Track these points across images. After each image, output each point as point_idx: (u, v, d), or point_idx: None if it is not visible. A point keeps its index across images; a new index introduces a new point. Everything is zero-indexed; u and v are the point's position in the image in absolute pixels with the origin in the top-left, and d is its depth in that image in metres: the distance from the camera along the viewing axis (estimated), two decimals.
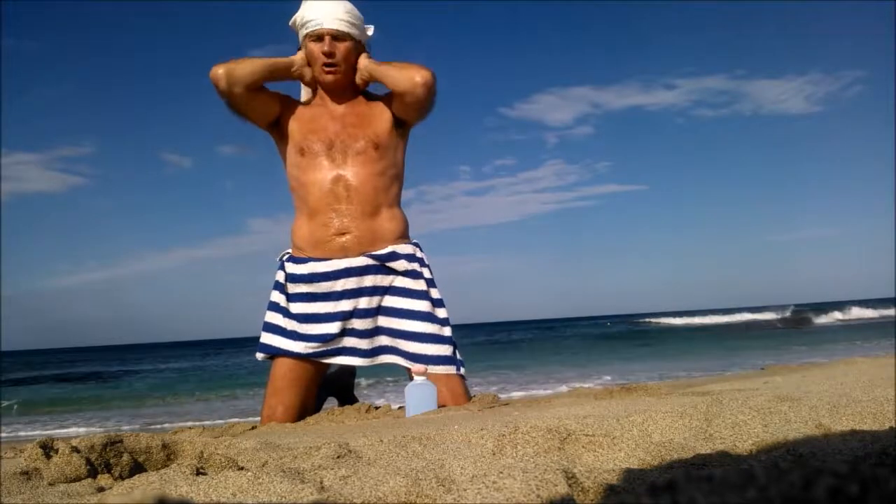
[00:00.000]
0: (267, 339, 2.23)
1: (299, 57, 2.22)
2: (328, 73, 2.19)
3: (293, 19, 2.21)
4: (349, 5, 2.20)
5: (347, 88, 2.26)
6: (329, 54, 2.16)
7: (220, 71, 2.07)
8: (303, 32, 2.19)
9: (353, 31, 2.18)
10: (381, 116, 2.24)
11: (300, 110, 2.27)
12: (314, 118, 2.24)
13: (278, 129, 2.27)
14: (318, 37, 2.16)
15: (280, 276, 2.29)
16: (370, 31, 2.28)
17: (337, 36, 2.16)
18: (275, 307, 2.28)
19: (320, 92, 2.28)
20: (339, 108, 2.25)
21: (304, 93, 2.37)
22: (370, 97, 2.31)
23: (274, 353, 2.22)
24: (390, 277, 2.22)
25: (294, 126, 2.24)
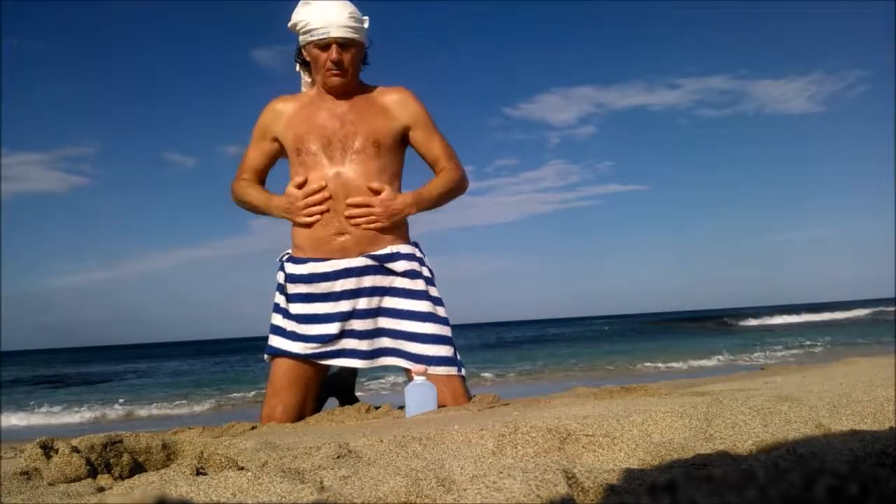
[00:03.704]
0: (271, 340, 2.25)
1: (276, 205, 2.25)
2: (336, 76, 2.19)
3: (293, 22, 2.21)
4: (351, 7, 2.19)
5: (350, 89, 2.26)
6: (337, 62, 2.16)
7: (232, 199, 2.38)
8: (306, 39, 2.18)
9: (357, 35, 2.17)
10: (387, 118, 2.24)
11: (295, 113, 2.25)
12: (311, 116, 2.23)
13: (284, 147, 2.31)
14: (325, 45, 2.16)
15: (280, 277, 2.29)
16: (365, 23, 2.27)
17: (344, 44, 2.16)
18: (276, 308, 2.29)
19: (320, 90, 2.27)
20: (340, 106, 2.24)
21: (305, 84, 2.36)
22: (370, 91, 2.29)
23: (275, 353, 2.22)
24: (390, 278, 2.22)
25: (289, 130, 2.24)
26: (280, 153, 2.34)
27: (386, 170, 2.22)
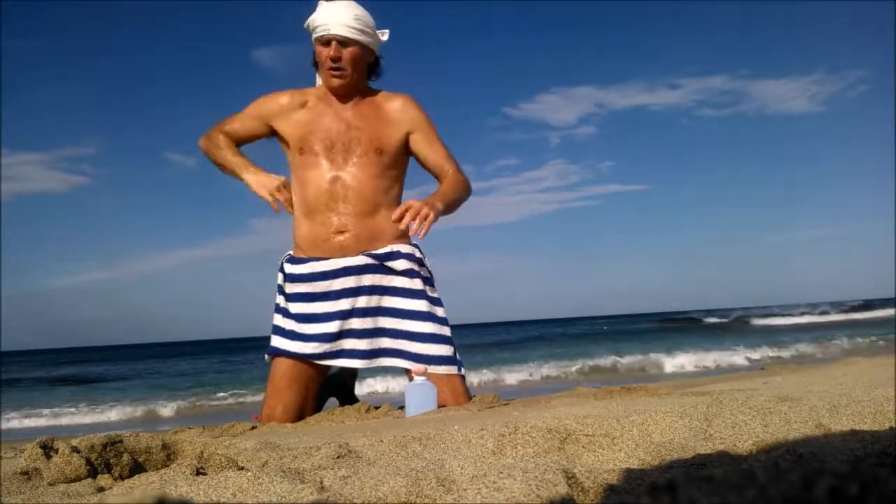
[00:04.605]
0: (272, 340, 2.25)
1: (251, 180, 2.22)
2: (334, 76, 2.20)
3: (306, 23, 2.23)
4: (360, 11, 2.20)
5: (354, 91, 2.26)
6: (335, 59, 2.17)
7: (200, 144, 2.35)
8: (313, 36, 2.21)
9: (360, 37, 2.18)
10: (392, 125, 2.25)
11: (301, 111, 2.26)
12: (316, 118, 2.24)
13: (279, 136, 2.31)
14: (325, 41, 2.18)
15: (280, 278, 2.30)
16: (385, 35, 2.28)
17: (343, 41, 2.17)
18: (277, 308, 2.30)
19: (326, 92, 2.28)
20: (345, 109, 2.25)
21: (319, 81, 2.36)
22: (375, 96, 2.30)
23: (275, 353, 2.23)
24: (389, 277, 2.22)
25: (293, 128, 2.25)
26: (264, 137, 2.33)
27: (385, 175, 2.23)
